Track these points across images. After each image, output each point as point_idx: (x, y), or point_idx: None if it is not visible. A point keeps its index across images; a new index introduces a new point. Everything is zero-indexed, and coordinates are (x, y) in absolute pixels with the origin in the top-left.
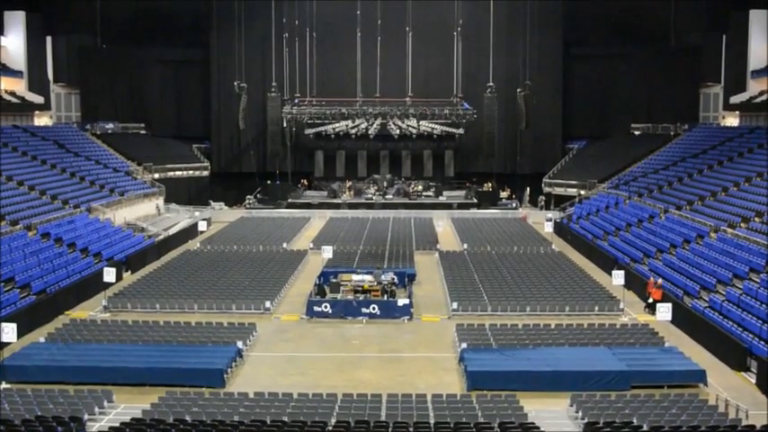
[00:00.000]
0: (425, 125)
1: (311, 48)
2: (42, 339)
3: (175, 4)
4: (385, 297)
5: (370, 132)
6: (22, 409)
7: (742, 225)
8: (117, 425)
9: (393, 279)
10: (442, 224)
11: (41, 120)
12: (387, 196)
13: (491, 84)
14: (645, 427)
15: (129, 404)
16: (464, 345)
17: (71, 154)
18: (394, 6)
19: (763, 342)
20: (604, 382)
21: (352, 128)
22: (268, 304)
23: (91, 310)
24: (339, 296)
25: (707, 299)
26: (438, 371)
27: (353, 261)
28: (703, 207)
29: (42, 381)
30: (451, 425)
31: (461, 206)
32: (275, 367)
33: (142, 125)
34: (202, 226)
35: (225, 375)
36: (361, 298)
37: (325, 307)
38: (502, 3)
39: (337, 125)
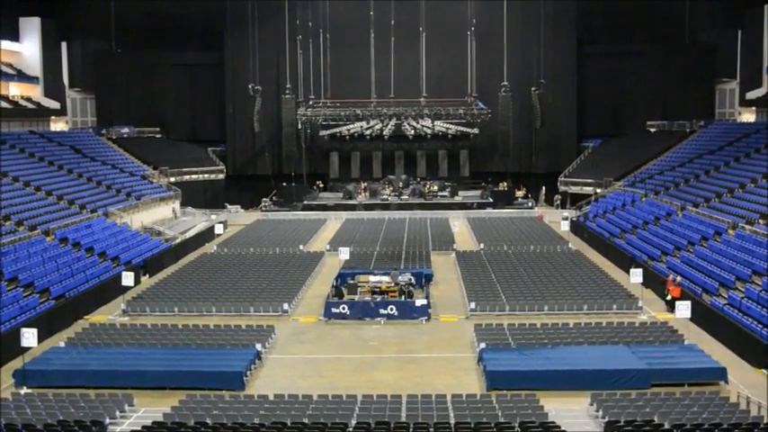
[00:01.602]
0: (440, 125)
1: (325, 49)
2: (62, 344)
3: (189, 7)
4: (402, 298)
5: (384, 133)
6: (44, 413)
7: (760, 221)
8: (138, 428)
9: (410, 280)
10: (458, 224)
11: (57, 125)
12: (402, 197)
13: (505, 83)
14: (666, 426)
15: (150, 408)
16: (483, 345)
17: (87, 159)
18: (407, 7)
19: None
20: (624, 381)
21: (367, 129)
22: (286, 306)
23: (110, 314)
24: (357, 297)
25: (726, 296)
26: (457, 371)
27: (370, 262)
28: (721, 204)
29: (63, 385)
30: (472, 425)
31: (477, 206)
32: (294, 369)
33: (157, 129)
34: (219, 229)
35: (244, 378)
36: (378, 299)
37: (343, 308)
38: (515, 2)
39: (352, 126)
